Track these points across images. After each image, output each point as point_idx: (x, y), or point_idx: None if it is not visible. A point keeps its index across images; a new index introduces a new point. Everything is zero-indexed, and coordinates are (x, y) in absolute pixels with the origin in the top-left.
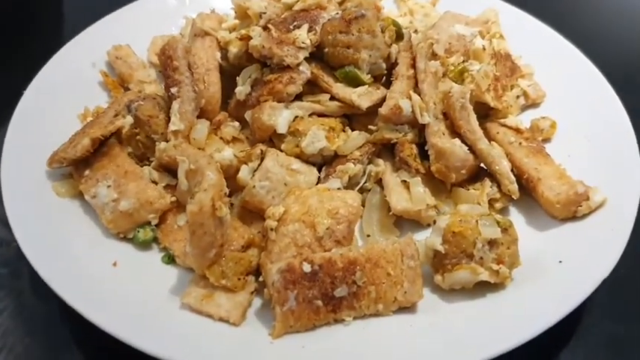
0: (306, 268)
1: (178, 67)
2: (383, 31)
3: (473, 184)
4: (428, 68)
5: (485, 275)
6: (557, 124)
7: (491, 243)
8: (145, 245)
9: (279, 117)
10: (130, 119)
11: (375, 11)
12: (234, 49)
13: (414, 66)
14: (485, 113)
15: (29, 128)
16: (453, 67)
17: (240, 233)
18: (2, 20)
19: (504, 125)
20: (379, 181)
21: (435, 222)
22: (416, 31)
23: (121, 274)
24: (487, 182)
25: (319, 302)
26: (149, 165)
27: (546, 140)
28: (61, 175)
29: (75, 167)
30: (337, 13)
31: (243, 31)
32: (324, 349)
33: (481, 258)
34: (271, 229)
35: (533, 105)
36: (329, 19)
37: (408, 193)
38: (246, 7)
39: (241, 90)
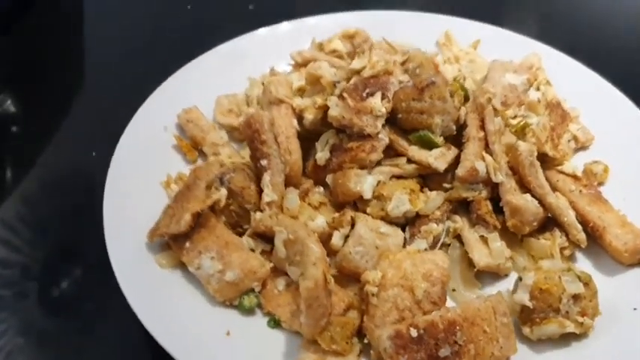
0: (413, 333)
1: (266, 141)
2: (452, 96)
3: (542, 234)
4: (496, 129)
5: (571, 327)
6: (610, 167)
7: (575, 297)
8: (250, 311)
9: (365, 183)
10: (224, 192)
11: (444, 77)
12: (309, 116)
13: (482, 127)
14: (541, 159)
15: (122, 200)
16: (513, 122)
17: (340, 297)
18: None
19: (562, 172)
20: (457, 237)
21: (520, 278)
22: (464, 79)
23: (234, 342)
24: (557, 232)
25: None
26: (241, 231)
27: (600, 184)
28: (159, 245)
29: (174, 239)
30: (408, 81)
31: (319, 101)
32: None
33: (567, 312)
34: (372, 295)
35: (583, 148)
36: (401, 87)
37: (487, 248)
38: (318, 76)
39: (321, 156)
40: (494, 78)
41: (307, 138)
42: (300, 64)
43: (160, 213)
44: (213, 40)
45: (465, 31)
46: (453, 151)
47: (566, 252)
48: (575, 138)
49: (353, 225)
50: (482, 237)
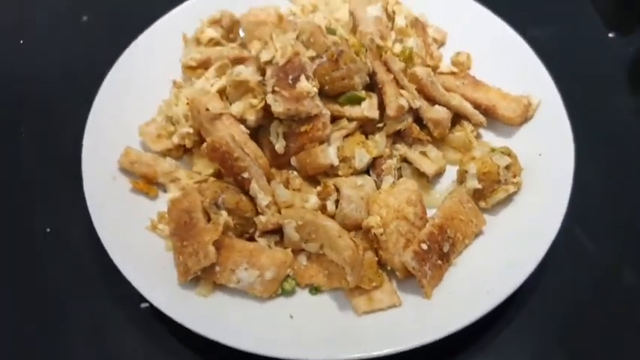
0: (424, 246)
1: (239, 156)
2: (357, 54)
3: (454, 128)
4: (400, 67)
5: (512, 188)
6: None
7: (507, 167)
8: (292, 292)
9: (331, 154)
10: (225, 213)
11: (346, 43)
12: (252, 117)
13: (388, 70)
14: None
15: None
16: (397, 51)
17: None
18: None
19: (442, 73)
20: (404, 160)
21: (465, 171)
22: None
23: (299, 321)
24: (464, 123)
25: (440, 262)
26: (248, 236)
27: (468, 69)
28: (191, 283)
29: (203, 271)
30: (321, 57)
31: (254, 102)
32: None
33: (505, 179)
34: (380, 234)
35: (442, 45)
36: (319, 65)
37: (429, 159)
38: (242, 80)
39: (279, 146)
40: (363, 17)
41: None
42: (196, 67)
43: (174, 257)
44: None
45: None
46: (375, 98)
47: (474, 134)
48: (434, 40)
49: (337, 190)
50: (422, 152)
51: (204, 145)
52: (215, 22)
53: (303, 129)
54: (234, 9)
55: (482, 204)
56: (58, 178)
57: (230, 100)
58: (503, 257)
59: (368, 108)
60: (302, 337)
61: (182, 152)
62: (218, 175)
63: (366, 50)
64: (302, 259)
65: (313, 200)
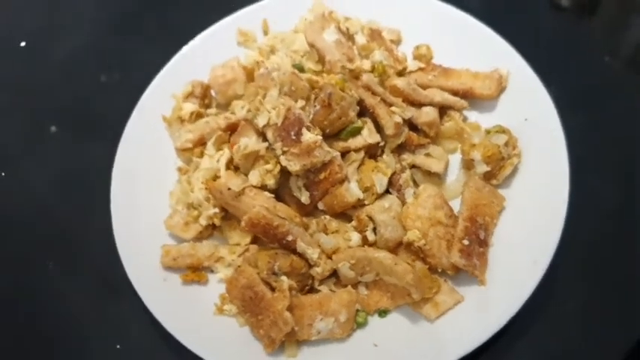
0: (465, 242)
1: (279, 224)
2: (343, 90)
3: (443, 120)
4: (382, 89)
5: (515, 160)
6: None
7: (506, 143)
8: (365, 323)
9: (354, 190)
10: (285, 278)
11: (331, 84)
12: (271, 181)
13: (372, 93)
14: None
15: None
16: (375, 71)
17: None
18: None
19: (411, 72)
20: (412, 166)
21: (471, 159)
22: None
23: (384, 347)
24: (451, 113)
25: (481, 249)
26: (309, 287)
27: (432, 59)
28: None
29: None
30: (314, 106)
31: (269, 166)
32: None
33: (507, 155)
34: (423, 245)
35: (398, 43)
36: (315, 114)
37: (434, 157)
38: (251, 152)
39: (305, 198)
40: (325, 47)
41: None
42: (193, 147)
43: (252, 332)
44: None
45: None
46: (370, 122)
47: (462, 119)
48: (392, 41)
49: (371, 219)
50: (426, 155)
51: (243, 223)
52: (189, 95)
53: (322, 177)
54: (195, 71)
55: (494, 182)
56: (109, 299)
57: (243, 170)
58: (530, 223)
59: (369, 134)
60: (397, 358)
61: (212, 230)
62: (256, 240)
63: (346, 82)
64: (362, 289)
65: (355, 237)
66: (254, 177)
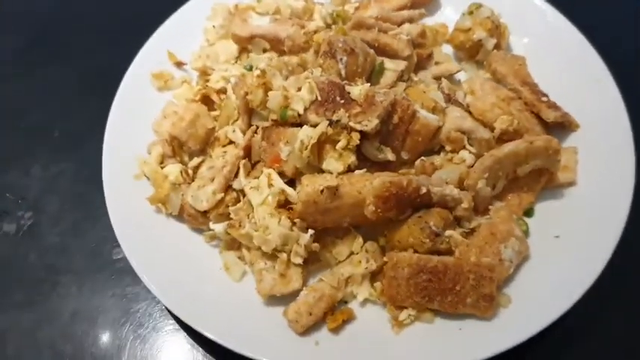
0: (544, 98)
1: (407, 182)
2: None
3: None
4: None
5: (503, 22)
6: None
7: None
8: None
9: (430, 116)
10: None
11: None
12: (352, 158)
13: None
14: None
15: None
16: (338, 17)
17: None
18: None
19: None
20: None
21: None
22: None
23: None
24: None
25: (552, 100)
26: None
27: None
28: None
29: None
30: (340, 59)
31: (344, 151)
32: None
33: (497, 21)
34: (517, 124)
35: None
36: (345, 66)
37: (445, 62)
38: (323, 135)
39: (391, 154)
40: (267, 30)
41: None
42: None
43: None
44: None
45: None
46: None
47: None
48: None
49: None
50: (436, 63)
51: (371, 207)
52: (162, 159)
53: (396, 120)
54: None
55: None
56: None
57: (311, 171)
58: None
59: (394, 65)
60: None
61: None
62: None
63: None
64: (497, 204)
65: (468, 158)
66: (332, 164)
